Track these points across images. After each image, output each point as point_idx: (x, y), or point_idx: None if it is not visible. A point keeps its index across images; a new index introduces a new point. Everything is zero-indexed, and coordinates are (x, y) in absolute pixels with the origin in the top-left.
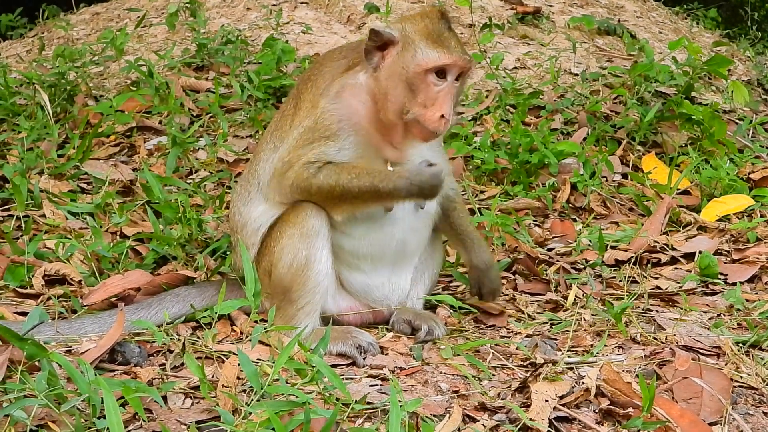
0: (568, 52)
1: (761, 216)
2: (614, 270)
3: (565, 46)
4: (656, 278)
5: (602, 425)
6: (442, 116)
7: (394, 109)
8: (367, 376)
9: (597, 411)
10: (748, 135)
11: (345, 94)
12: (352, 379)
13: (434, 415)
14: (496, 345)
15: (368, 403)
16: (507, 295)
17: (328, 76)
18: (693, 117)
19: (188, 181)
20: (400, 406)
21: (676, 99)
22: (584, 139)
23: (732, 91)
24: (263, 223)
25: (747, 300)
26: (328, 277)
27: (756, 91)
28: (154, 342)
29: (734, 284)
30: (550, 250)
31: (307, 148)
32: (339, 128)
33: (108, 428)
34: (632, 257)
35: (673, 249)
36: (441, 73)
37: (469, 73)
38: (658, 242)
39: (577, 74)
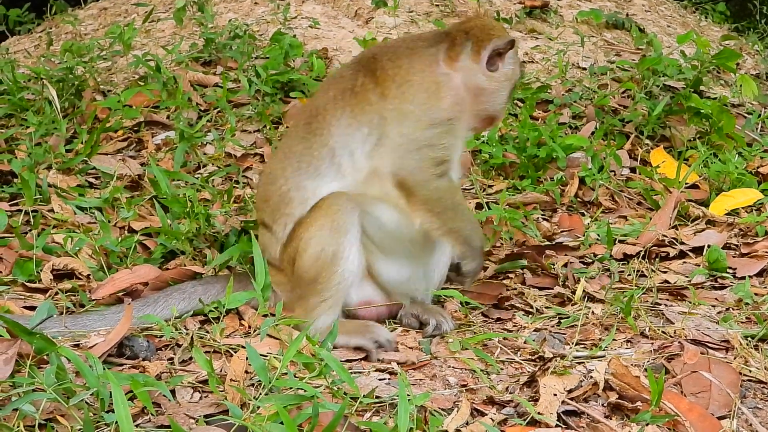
0: (576, 46)
1: None
2: (623, 264)
3: (573, 40)
4: (665, 272)
5: (610, 419)
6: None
7: (498, 106)
8: (376, 370)
9: (605, 405)
10: (756, 129)
11: (455, 79)
12: (360, 373)
13: (442, 409)
14: (504, 339)
15: (376, 397)
16: (515, 289)
17: (428, 57)
18: (701, 111)
19: (196, 176)
20: (409, 400)
21: (684, 93)
22: (592, 133)
23: (741, 85)
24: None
25: (756, 294)
26: (353, 274)
27: (764, 84)
28: (162, 336)
29: (743, 278)
30: (557, 243)
31: (432, 131)
32: (454, 117)
33: (117, 422)
34: (641, 251)
35: (682, 243)
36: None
37: None
38: (666, 236)
39: (585, 68)
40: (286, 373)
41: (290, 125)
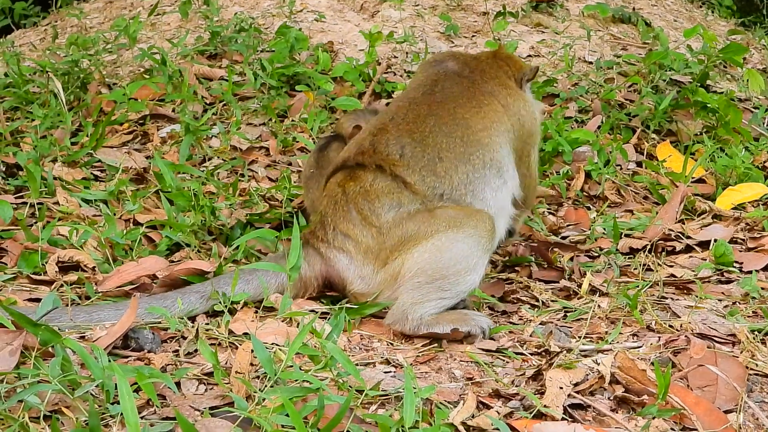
0: (583, 40)
1: None
2: (629, 258)
3: (579, 34)
4: (671, 266)
5: (617, 412)
6: None
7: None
8: (381, 363)
9: (611, 398)
10: (763, 123)
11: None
12: (366, 365)
13: (448, 402)
14: (510, 332)
15: (382, 389)
16: (521, 282)
17: (511, 82)
18: (708, 105)
19: (201, 169)
20: (414, 392)
21: (691, 87)
22: (598, 127)
23: (747, 80)
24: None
25: (762, 288)
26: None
27: None
28: (167, 329)
29: (749, 272)
30: (564, 238)
31: (533, 157)
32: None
33: (122, 414)
34: (647, 245)
35: (688, 237)
36: None
37: None
38: (672, 230)
39: (591, 62)
40: (291, 366)
41: (444, 94)
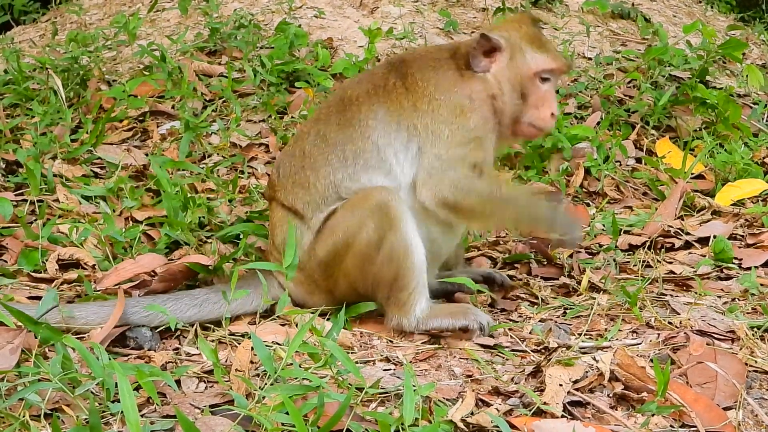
0: (582, 36)
1: None
2: (628, 255)
3: (578, 29)
4: (670, 263)
5: (616, 409)
6: (552, 114)
7: (509, 112)
8: (381, 360)
9: (611, 395)
10: (763, 119)
11: (480, 96)
12: (366, 363)
13: (448, 399)
14: (509, 329)
15: (382, 387)
16: (521, 279)
17: (453, 72)
18: (707, 101)
19: (201, 166)
20: (414, 390)
21: (690, 83)
22: (598, 123)
23: (747, 75)
24: None
25: (762, 285)
26: (424, 255)
27: None
28: (168, 327)
29: (749, 269)
30: (563, 234)
31: (463, 149)
32: (485, 130)
33: (122, 412)
34: (646, 242)
35: (687, 234)
36: (546, 77)
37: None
38: (672, 227)
39: (590, 58)
40: (291, 364)
41: (319, 110)
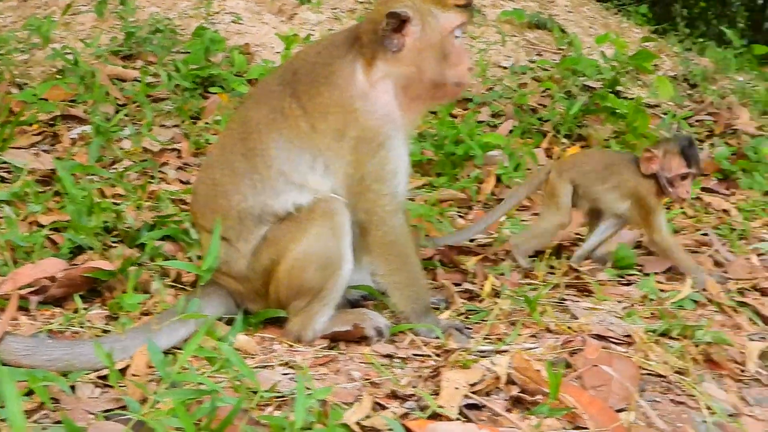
0: (498, 46)
1: (680, 208)
2: (533, 261)
3: (495, 39)
4: (575, 269)
5: (511, 412)
6: (470, 68)
7: (431, 80)
8: (281, 365)
9: (507, 399)
10: (672, 129)
11: (377, 89)
12: (265, 367)
13: (345, 403)
14: (410, 332)
15: (278, 391)
16: (428, 286)
17: (345, 73)
18: (617, 110)
19: (111, 171)
20: (310, 394)
21: (601, 93)
22: (510, 131)
23: (657, 86)
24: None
25: (661, 290)
26: (350, 272)
27: (681, 86)
28: (65, 332)
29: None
30: (472, 240)
31: (371, 162)
32: (385, 131)
33: (9, 418)
34: (553, 248)
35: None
36: (457, 31)
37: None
38: (579, 233)
39: (506, 67)
40: (187, 368)
41: (225, 134)
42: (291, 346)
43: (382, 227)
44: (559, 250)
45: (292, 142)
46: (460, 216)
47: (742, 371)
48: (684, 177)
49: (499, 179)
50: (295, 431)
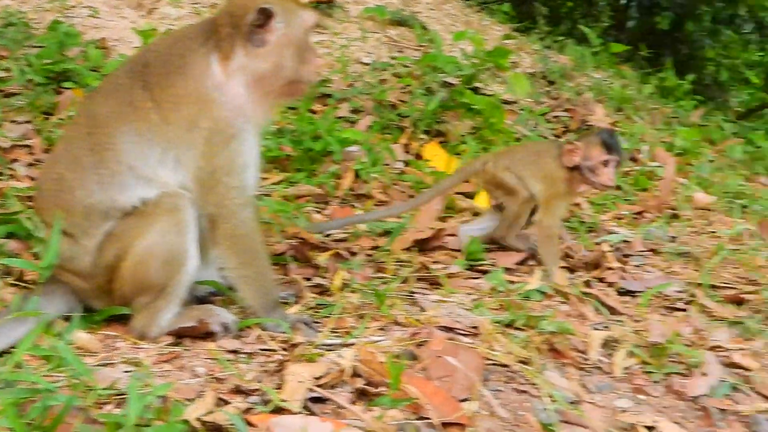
0: (360, 42)
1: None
2: (388, 254)
3: (357, 35)
4: (432, 263)
5: (356, 404)
6: (318, 66)
7: (287, 76)
8: (123, 362)
9: (352, 391)
10: (529, 125)
11: (232, 82)
12: (107, 365)
13: (187, 399)
14: (258, 326)
15: (118, 388)
16: (278, 281)
17: (200, 65)
18: (474, 107)
19: None
20: (149, 390)
21: (459, 89)
22: (369, 127)
23: (513, 83)
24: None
25: (510, 282)
26: (196, 268)
27: (540, 83)
28: None
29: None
30: (327, 236)
31: (222, 155)
32: (238, 123)
33: None
34: (410, 243)
35: (448, 235)
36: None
37: None
38: (433, 228)
39: (367, 64)
40: (21, 367)
41: (70, 129)
42: (135, 343)
43: (232, 220)
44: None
45: (142, 135)
46: (318, 212)
47: (585, 360)
48: (606, 164)
49: (357, 175)
50: (130, 428)
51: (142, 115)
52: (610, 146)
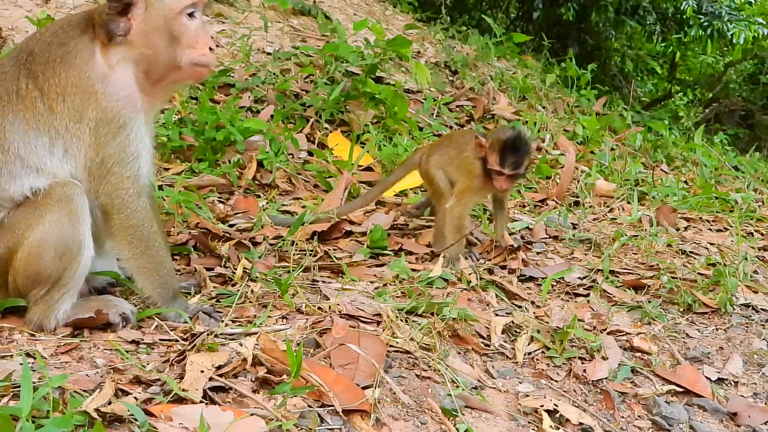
0: (262, 32)
1: None
2: (291, 244)
3: (259, 25)
4: (335, 251)
5: (258, 393)
6: (211, 48)
7: (165, 62)
8: (20, 355)
9: (254, 380)
10: (433, 114)
11: (117, 71)
12: (3, 357)
13: (85, 390)
14: (158, 317)
15: (14, 381)
16: (179, 271)
17: (83, 54)
18: (377, 96)
19: None
20: (44, 382)
21: (360, 78)
22: (272, 116)
23: (415, 72)
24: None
25: (414, 270)
26: (92, 258)
27: (444, 72)
28: None
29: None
30: (231, 226)
31: (113, 144)
32: (126, 113)
33: None
34: (316, 232)
35: (352, 223)
36: (191, 12)
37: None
38: (341, 219)
39: (270, 53)
40: None
41: None
42: (32, 335)
43: (125, 211)
44: (321, 234)
45: (28, 124)
46: (221, 201)
47: (487, 345)
48: (498, 174)
49: (260, 164)
50: (25, 419)
51: (29, 104)
52: (504, 159)
